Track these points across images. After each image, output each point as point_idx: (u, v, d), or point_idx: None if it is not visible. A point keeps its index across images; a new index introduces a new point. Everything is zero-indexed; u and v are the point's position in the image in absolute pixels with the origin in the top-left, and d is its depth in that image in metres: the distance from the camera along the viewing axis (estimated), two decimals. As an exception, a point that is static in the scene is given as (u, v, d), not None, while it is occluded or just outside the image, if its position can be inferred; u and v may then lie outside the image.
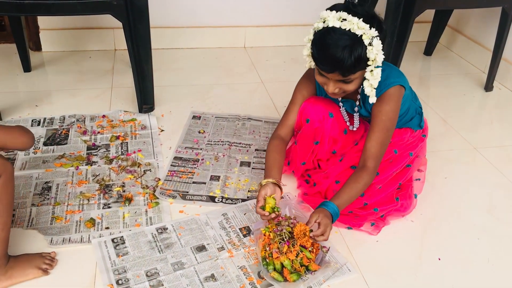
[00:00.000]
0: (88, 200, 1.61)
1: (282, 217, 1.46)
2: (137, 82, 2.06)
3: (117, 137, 1.94)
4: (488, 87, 2.53)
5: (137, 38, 1.95)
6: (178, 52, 2.78)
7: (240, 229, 1.53)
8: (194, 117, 2.15)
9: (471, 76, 2.71)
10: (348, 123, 1.63)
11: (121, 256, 1.41)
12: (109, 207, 1.59)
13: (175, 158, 1.86)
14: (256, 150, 1.93)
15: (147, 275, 1.35)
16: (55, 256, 1.39)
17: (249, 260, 1.42)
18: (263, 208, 1.42)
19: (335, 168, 1.64)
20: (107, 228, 1.51)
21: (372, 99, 1.43)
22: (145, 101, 2.12)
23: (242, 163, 1.85)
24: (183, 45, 2.81)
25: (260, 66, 2.68)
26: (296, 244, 1.35)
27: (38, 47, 2.67)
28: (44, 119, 2.04)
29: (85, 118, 2.06)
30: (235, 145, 1.96)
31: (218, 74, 2.58)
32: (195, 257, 1.42)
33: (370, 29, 1.32)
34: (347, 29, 1.32)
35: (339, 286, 1.36)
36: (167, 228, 1.52)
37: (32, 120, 2.02)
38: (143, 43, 1.97)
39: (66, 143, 1.89)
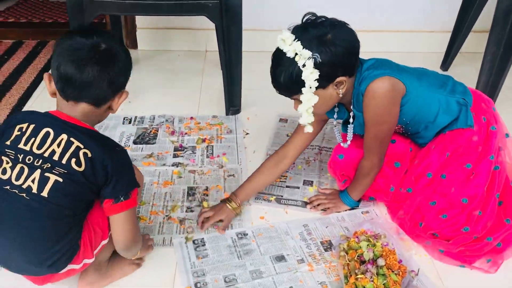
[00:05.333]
0: (173, 201, 1.63)
1: (370, 231, 1.40)
2: (226, 84, 2.07)
3: (203, 140, 1.95)
4: None
5: (229, 40, 1.95)
6: (266, 55, 2.75)
7: (321, 242, 1.48)
8: (281, 120, 2.12)
9: None
10: (340, 140, 1.58)
11: (201, 258, 1.41)
12: (191, 211, 1.59)
13: (267, 161, 1.85)
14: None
15: (225, 281, 1.34)
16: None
17: (329, 277, 1.36)
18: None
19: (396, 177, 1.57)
20: (188, 231, 1.51)
21: (303, 121, 1.37)
22: (232, 103, 2.12)
23: (334, 169, 1.80)
24: (271, 48, 2.79)
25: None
26: (383, 264, 1.27)
27: (134, 45, 2.78)
28: (135, 117, 2.10)
29: (174, 118, 2.10)
30: (325, 150, 1.91)
31: (306, 78, 2.53)
32: (274, 267, 1.39)
33: (308, 50, 1.25)
34: (283, 50, 1.30)
35: (426, 314, 1.27)
36: (247, 234, 1.50)
37: (124, 118, 2.08)
38: (234, 45, 1.97)
39: (155, 143, 1.93)
